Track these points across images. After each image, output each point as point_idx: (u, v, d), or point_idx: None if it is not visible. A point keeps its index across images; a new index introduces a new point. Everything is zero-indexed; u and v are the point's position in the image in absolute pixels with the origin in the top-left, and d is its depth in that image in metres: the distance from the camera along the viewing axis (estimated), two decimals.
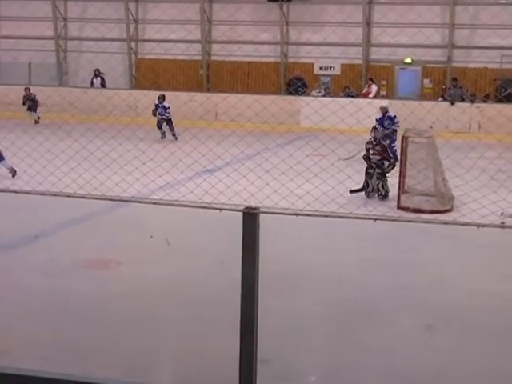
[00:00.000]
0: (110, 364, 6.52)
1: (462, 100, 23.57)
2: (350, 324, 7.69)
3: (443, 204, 12.92)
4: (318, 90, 25.78)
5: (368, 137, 14.75)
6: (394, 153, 14.41)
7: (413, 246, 10.35)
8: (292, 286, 8.60)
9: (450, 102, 23.19)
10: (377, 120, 15.18)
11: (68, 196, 5.80)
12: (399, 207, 12.96)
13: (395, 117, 15.14)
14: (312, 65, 27.09)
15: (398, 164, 13.80)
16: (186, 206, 5.49)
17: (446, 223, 7.57)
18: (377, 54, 26.64)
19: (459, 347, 7.22)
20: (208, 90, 27.25)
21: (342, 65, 26.80)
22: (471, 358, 6.98)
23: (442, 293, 8.60)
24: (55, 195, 5.69)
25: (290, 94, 24.82)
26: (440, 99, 24.19)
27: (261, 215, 4.68)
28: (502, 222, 9.78)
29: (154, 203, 6.42)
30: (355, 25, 25.68)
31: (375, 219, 5.16)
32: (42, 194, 5.72)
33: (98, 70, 26.78)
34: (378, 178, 13.66)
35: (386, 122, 14.96)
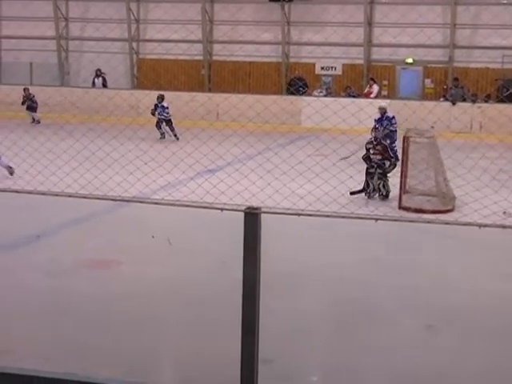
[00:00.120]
0: (112, 364, 6.53)
1: (464, 100, 23.56)
2: (351, 324, 7.69)
3: (445, 204, 12.91)
4: (319, 90, 25.79)
5: (368, 136, 14.73)
6: (395, 153, 14.39)
7: (414, 246, 10.35)
8: (293, 285, 8.60)
9: (451, 102, 23.18)
10: (375, 120, 15.14)
11: (70, 196, 5.81)
12: (400, 207, 12.95)
13: (393, 117, 15.09)
14: (313, 65, 27.11)
15: (398, 164, 13.79)
16: (187, 205, 5.50)
17: (447, 223, 7.57)
18: (378, 53, 26.64)
19: (460, 347, 7.21)
20: (209, 90, 27.27)
21: (344, 65, 26.81)
22: (472, 358, 6.97)
23: (444, 293, 8.59)
24: (57, 195, 5.70)
25: (292, 93, 24.81)
26: (441, 99, 24.19)
27: (262, 215, 4.68)
28: (504, 212, 9.76)
29: (156, 203, 6.42)
30: (357, 25, 25.70)
31: (377, 219, 5.16)
32: (44, 193, 5.73)
33: (99, 70, 26.79)
34: (379, 178, 13.65)
35: (384, 122, 14.93)
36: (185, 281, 8.86)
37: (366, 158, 13.90)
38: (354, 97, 23.82)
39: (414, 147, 13.38)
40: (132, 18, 28.37)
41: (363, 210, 11.41)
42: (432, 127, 16.22)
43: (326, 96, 24.34)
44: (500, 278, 9.09)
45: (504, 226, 5.05)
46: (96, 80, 27.03)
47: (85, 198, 6.25)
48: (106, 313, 7.79)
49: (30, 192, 5.96)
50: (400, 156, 13.60)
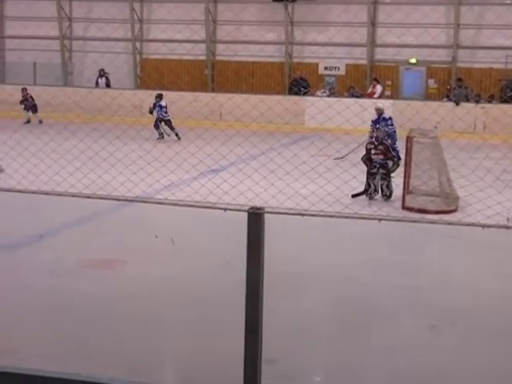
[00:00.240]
0: (114, 364, 6.53)
1: (467, 100, 23.53)
2: (354, 324, 7.69)
3: (448, 204, 12.90)
4: (322, 91, 25.78)
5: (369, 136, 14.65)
6: (398, 152, 14.34)
7: (417, 246, 10.34)
8: (297, 285, 8.61)
9: (454, 102, 23.15)
10: (372, 121, 15.00)
11: (73, 196, 5.82)
12: (404, 207, 12.94)
13: (390, 118, 14.95)
14: (317, 65, 27.09)
15: (401, 163, 13.75)
16: (190, 205, 5.50)
17: (450, 224, 7.55)
18: (382, 54, 26.61)
19: (463, 347, 7.21)
20: (213, 90, 27.27)
21: (347, 65, 26.79)
22: (475, 358, 6.97)
23: (447, 293, 8.59)
24: (60, 195, 5.71)
25: (295, 93, 24.80)
26: (445, 99, 24.15)
27: (266, 215, 4.68)
28: (508, 219, 9.73)
29: (159, 203, 6.42)
30: (360, 25, 25.66)
31: (380, 219, 5.17)
32: (48, 193, 5.74)
33: (102, 69, 26.81)
34: (382, 179, 13.63)
35: (381, 123, 14.83)
36: (188, 281, 8.87)
37: (367, 159, 13.80)
38: (357, 97, 23.81)
39: (418, 147, 13.36)
40: (135, 17, 28.39)
41: (366, 211, 11.40)
42: (435, 127, 16.21)
43: (329, 96, 24.34)
44: (503, 279, 9.08)
45: (507, 227, 5.05)
46: (99, 80, 27.04)
47: (88, 197, 6.26)
48: (110, 313, 7.80)
49: (33, 192, 5.97)
50: (403, 156, 13.57)
